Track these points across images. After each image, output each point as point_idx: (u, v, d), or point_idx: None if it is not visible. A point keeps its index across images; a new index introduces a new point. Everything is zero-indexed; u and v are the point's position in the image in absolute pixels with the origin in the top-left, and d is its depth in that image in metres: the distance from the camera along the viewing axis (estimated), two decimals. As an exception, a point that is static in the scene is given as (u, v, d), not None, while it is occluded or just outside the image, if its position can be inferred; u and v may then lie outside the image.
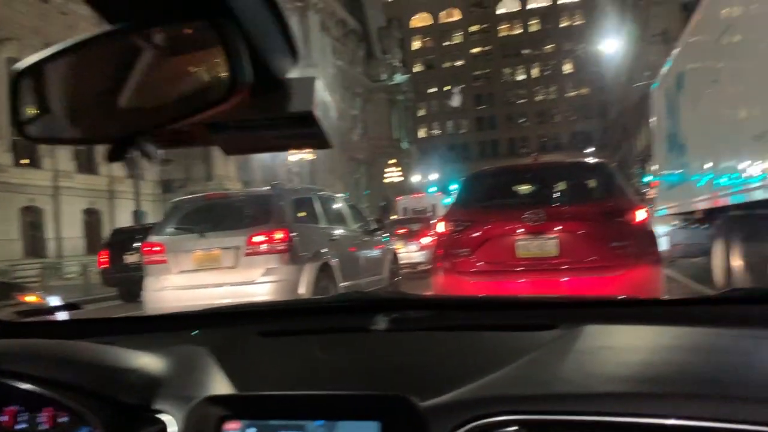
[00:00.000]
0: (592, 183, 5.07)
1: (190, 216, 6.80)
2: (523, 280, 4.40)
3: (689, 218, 9.10)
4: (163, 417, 0.95)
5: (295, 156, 26.01)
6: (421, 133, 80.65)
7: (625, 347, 1.03)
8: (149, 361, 1.08)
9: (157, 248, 6.45)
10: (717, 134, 6.40)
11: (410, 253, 12.67)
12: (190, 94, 0.58)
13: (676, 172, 9.00)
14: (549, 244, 4.34)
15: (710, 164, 6.77)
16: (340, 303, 1.47)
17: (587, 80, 74.53)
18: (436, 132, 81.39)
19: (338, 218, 7.80)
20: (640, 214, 4.41)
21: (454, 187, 45.88)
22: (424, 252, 12.87)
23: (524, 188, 5.33)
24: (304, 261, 6.30)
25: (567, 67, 77.48)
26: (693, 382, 0.84)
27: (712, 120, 6.57)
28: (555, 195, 5.02)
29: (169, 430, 0.93)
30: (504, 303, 1.44)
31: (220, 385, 1.01)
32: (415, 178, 52.37)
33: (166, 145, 0.67)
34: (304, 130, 0.65)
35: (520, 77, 79.26)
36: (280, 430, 0.89)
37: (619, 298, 1.43)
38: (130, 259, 12.05)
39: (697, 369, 0.90)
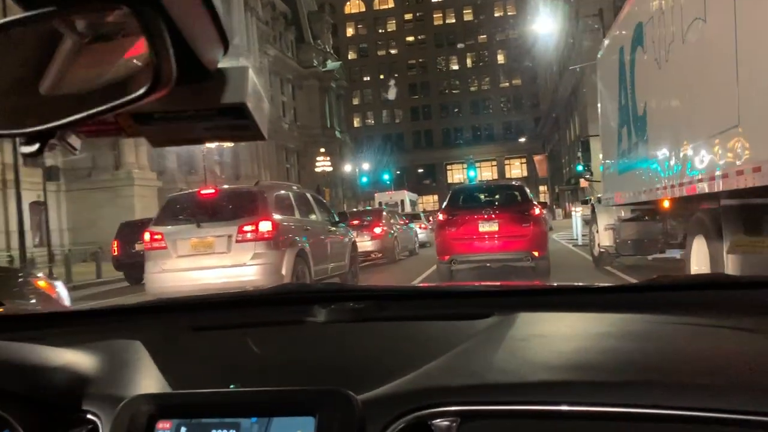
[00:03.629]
0: (514, 194, 9.56)
1: (185, 208, 7.80)
2: (485, 242, 8.74)
3: (643, 209, 7.83)
4: (92, 417, 0.92)
5: (212, 143, 23.84)
6: (356, 123, 79.34)
7: (557, 335, 1.04)
8: (76, 359, 1.02)
9: (158, 236, 7.37)
10: (698, 96, 4.91)
11: (363, 242, 13.28)
12: (112, 86, 0.55)
13: (631, 153, 7.58)
14: (494, 224, 8.68)
15: (686, 139, 5.26)
16: (276, 295, 1.44)
17: (520, 71, 75.00)
18: (370, 122, 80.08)
19: (309, 211, 8.82)
20: (536, 211, 8.93)
21: (386, 177, 45.64)
22: (375, 241, 13.77)
23: (482, 196, 9.83)
24: (285, 247, 7.39)
25: (500, 58, 77.70)
26: (623, 369, 0.85)
27: (689, 77, 5.12)
28: (497, 201, 9.48)
29: (98, 430, 0.90)
30: (441, 293, 1.43)
31: (151, 382, 0.98)
32: (347, 168, 50.80)
33: (91, 136, 0.65)
34: (236, 121, 0.63)
35: (454, 67, 78.91)
36: (213, 429, 0.85)
37: (553, 285, 1.44)
38: (138, 247, 13.69)
39: (626, 356, 0.90)
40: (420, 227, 18.21)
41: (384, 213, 14.86)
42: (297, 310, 1.23)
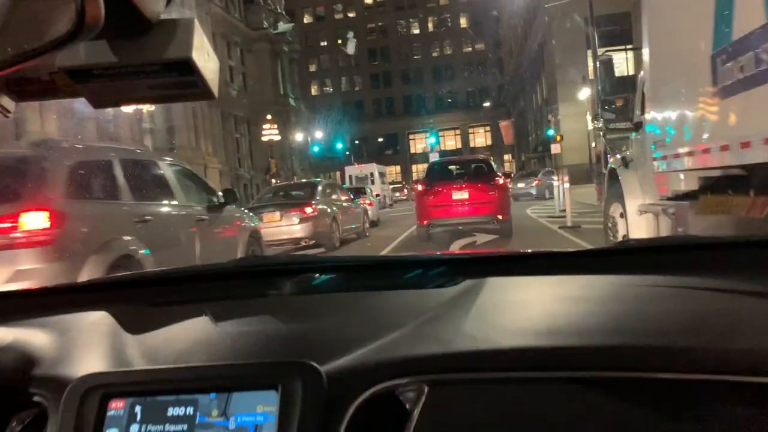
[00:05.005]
0: (482, 167, 11.10)
1: None
2: (458, 208, 10.16)
3: (729, 174, 4.02)
4: (40, 399, 0.87)
5: (128, 107, 20.30)
6: (314, 91, 75.64)
7: (527, 300, 1.03)
8: (23, 337, 0.99)
9: None
10: None
11: (290, 227, 10.45)
12: (31, 33, 0.49)
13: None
14: (464, 193, 10.19)
15: None
16: (239, 269, 1.40)
17: (483, 35, 72.09)
18: (328, 89, 76.36)
19: (158, 191, 5.82)
20: (501, 181, 10.59)
21: (339, 146, 45.06)
22: (305, 224, 10.47)
23: (455, 169, 11.34)
24: (86, 255, 4.45)
25: (463, 21, 74.50)
26: (592, 333, 0.84)
27: None
28: (467, 172, 10.92)
29: (49, 413, 0.85)
30: (408, 262, 1.38)
31: (104, 361, 0.93)
32: (299, 137, 47.33)
33: (25, 98, 0.61)
34: (183, 78, 0.59)
35: (415, 31, 75.47)
36: (170, 406, 0.81)
37: (521, 252, 1.37)
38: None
39: (595, 319, 0.90)
40: (366, 203, 14.79)
41: (319, 187, 11.71)
42: (260, 284, 1.22)
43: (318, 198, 11.17)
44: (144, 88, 0.60)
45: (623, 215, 5.52)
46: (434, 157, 35.87)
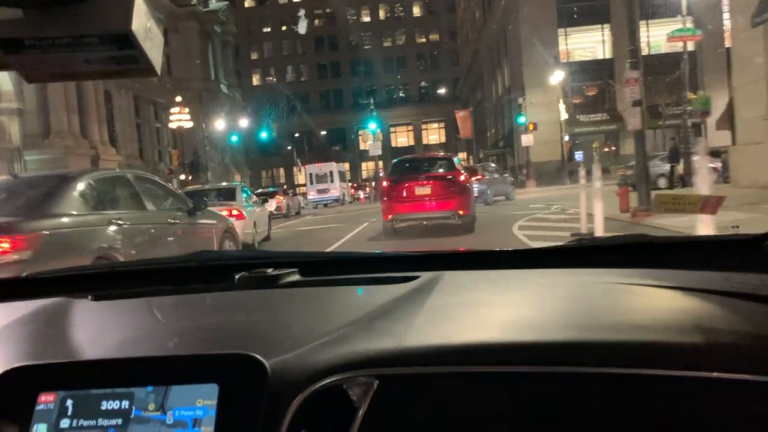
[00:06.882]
0: (445, 164, 11.52)
1: None
2: (421, 203, 10.33)
3: None
4: None
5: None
6: (255, 80, 69.73)
7: (480, 297, 1.05)
8: None
9: None
10: None
11: None
12: None
13: None
14: (427, 188, 10.44)
15: None
16: (189, 263, 1.39)
17: (438, 24, 67.60)
18: (271, 79, 70.46)
19: None
20: (462, 177, 10.83)
21: (264, 135, 39.06)
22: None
23: (419, 165, 11.74)
24: None
25: (416, 10, 69.71)
26: (545, 328, 0.86)
27: None
28: (431, 169, 11.29)
29: None
30: (363, 259, 1.39)
31: (35, 353, 0.92)
32: (219, 125, 41.05)
33: None
34: (122, 52, 0.56)
35: (366, 19, 70.24)
36: (104, 400, 0.77)
37: (476, 250, 1.37)
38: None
39: (548, 315, 0.92)
40: (230, 215, 8.36)
41: (72, 192, 5.10)
42: (210, 278, 1.21)
43: (55, 212, 4.89)
44: (80, 62, 0.56)
45: None
46: (375, 148, 30.49)
